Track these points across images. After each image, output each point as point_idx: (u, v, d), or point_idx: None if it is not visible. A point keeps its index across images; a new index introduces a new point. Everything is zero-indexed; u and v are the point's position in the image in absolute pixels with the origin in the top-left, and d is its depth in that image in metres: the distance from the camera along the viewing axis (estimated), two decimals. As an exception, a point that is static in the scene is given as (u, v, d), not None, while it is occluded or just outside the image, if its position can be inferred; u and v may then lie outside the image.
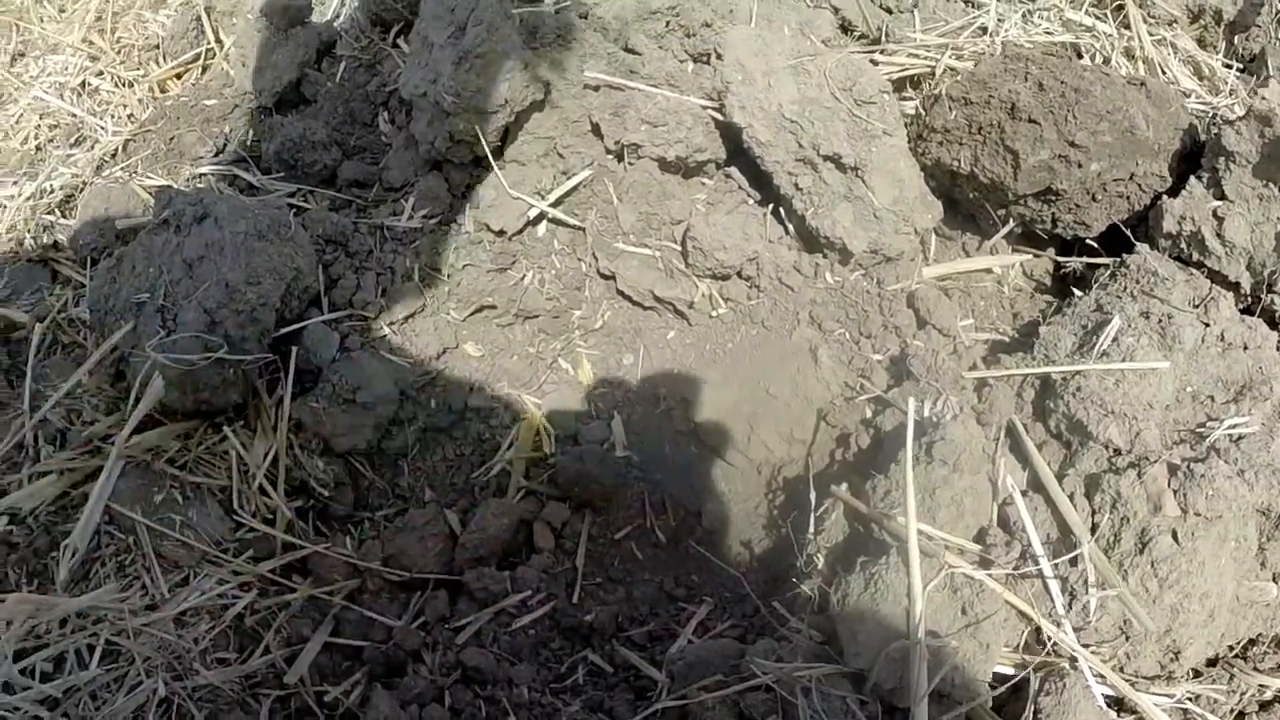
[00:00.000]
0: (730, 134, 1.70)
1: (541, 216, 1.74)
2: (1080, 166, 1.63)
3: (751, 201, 1.73)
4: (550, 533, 1.65)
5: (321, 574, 1.58)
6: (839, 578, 1.30)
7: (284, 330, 1.69)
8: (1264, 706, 1.41)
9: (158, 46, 2.52)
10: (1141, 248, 1.62)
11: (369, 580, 1.58)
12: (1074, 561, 1.29)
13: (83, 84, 2.48)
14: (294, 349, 1.69)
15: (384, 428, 1.67)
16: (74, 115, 2.39)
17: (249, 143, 2.19)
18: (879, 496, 1.32)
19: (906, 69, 2.01)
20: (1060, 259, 1.79)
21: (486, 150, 1.70)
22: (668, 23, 1.92)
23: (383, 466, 1.73)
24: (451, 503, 1.71)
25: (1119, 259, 1.63)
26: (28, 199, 2.17)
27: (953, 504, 1.30)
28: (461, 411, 1.73)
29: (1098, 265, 1.70)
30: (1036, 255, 1.80)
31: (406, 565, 1.59)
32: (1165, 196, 1.66)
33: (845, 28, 2.22)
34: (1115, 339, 1.44)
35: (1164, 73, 1.95)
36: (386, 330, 1.72)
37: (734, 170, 1.77)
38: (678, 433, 1.70)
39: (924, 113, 1.77)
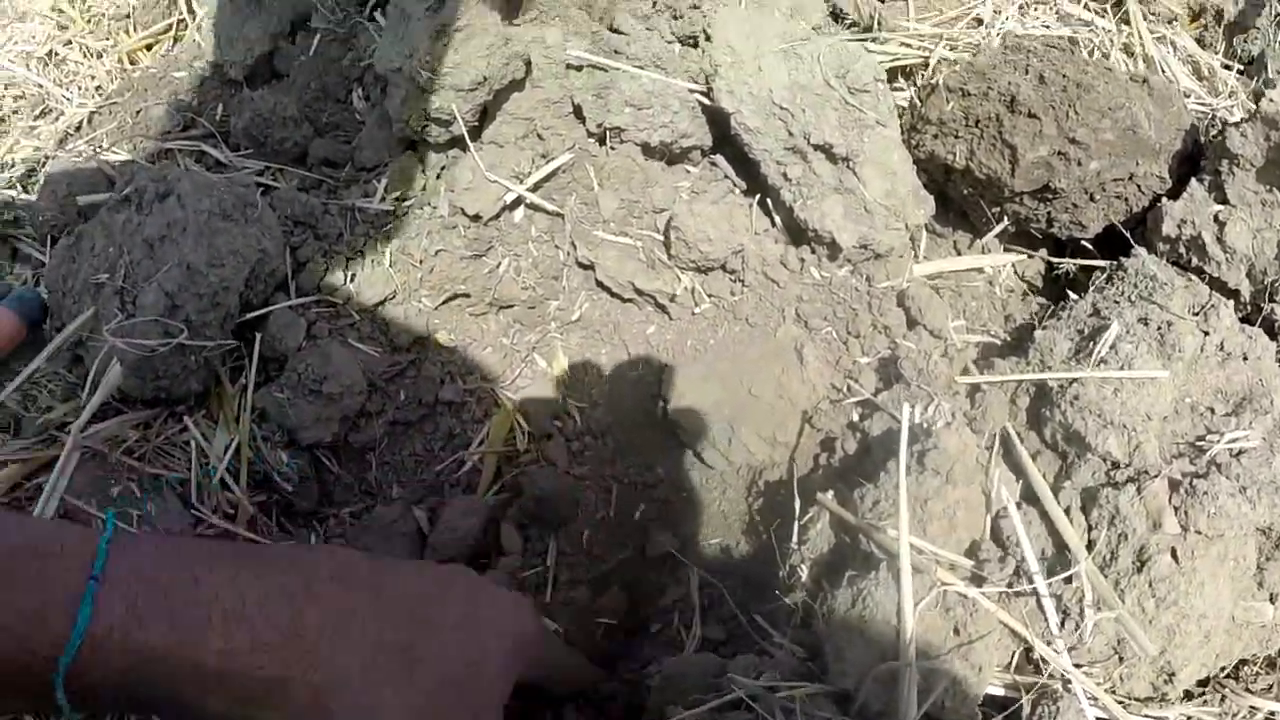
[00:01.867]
0: (717, 119, 1.61)
1: (519, 201, 1.65)
2: (1080, 164, 1.55)
3: (738, 191, 1.65)
4: (518, 534, 1.56)
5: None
6: (824, 592, 1.22)
7: (249, 315, 1.60)
8: (1255, 728, 1.35)
9: (128, 16, 2.42)
10: (1139, 251, 1.54)
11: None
12: (1069, 579, 1.21)
13: (50, 53, 2.38)
14: (258, 335, 1.60)
15: (351, 420, 1.59)
16: (40, 86, 2.30)
17: (218, 117, 2.09)
18: (867, 506, 1.24)
19: (899, 58, 1.93)
20: (1053, 259, 1.71)
21: (464, 130, 1.61)
22: (655, 3, 1.84)
23: (349, 460, 1.63)
24: (419, 499, 1.61)
25: (1116, 262, 1.56)
26: (-13, 172, 2.08)
27: (944, 516, 1.22)
28: (432, 404, 1.63)
29: (1093, 268, 1.63)
30: (1030, 255, 1.72)
31: (373, 565, 1.50)
32: (1165, 199, 1.58)
33: (836, 15, 2.15)
34: (1113, 345, 1.36)
35: (1164, 71, 1.88)
36: (356, 317, 1.62)
37: (719, 158, 1.68)
38: (655, 431, 1.61)
39: (919, 103, 1.69)
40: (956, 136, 1.62)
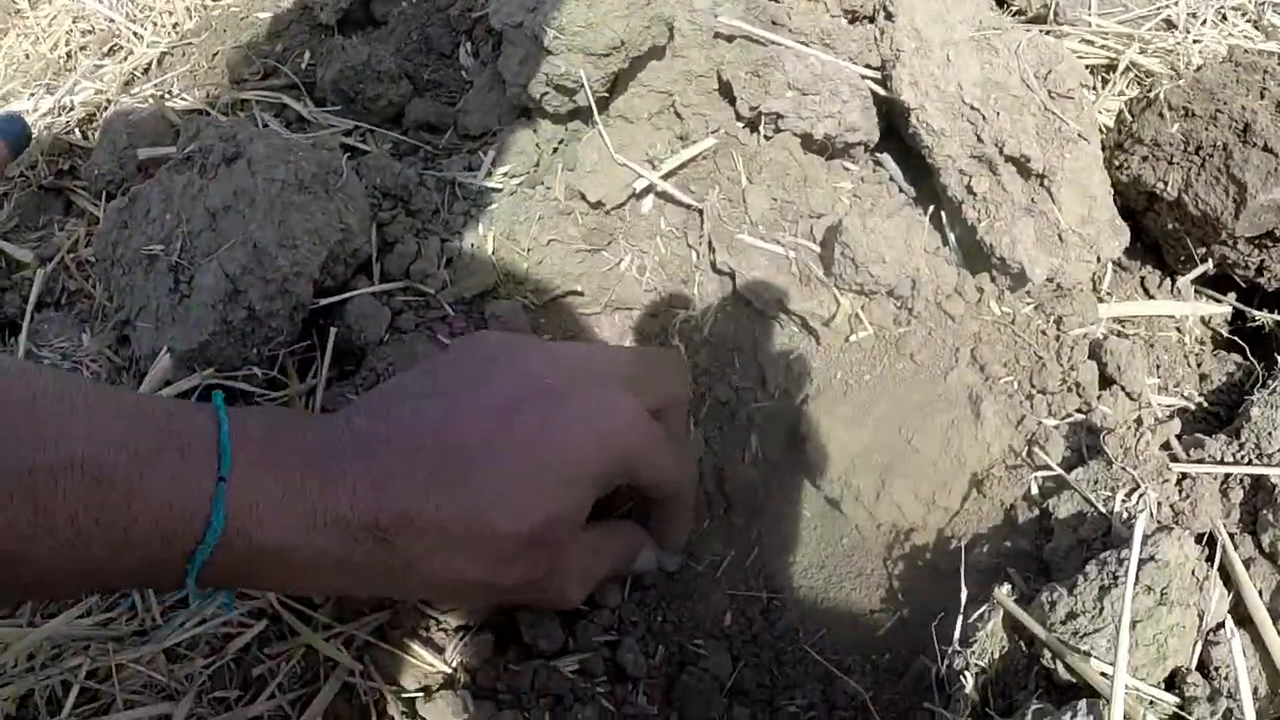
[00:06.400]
0: (891, 113, 1.41)
1: (649, 189, 1.44)
2: (1314, 212, 1.33)
3: (907, 197, 1.43)
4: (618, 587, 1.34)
5: (346, 603, 1.29)
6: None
7: (324, 301, 1.41)
8: None
9: (214, -54, 2.24)
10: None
11: (402, 616, 1.27)
12: (1287, 722, 1.00)
13: (124, -16, 2.21)
14: (333, 327, 1.40)
15: (433, 428, 1.38)
16: (111, 21, 2.12)
17: (304, 66, 1.90)
18: (1059, 617, 1.03)
19: (1081, 56, 1.72)
20: (1246, 309, 1.48)
21: (591, 101, 1.42)
22: (813, -37, 1.62)
23: (428, 468, 1.43)
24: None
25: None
26: (44, 115, 1.91)
27: (1154, 644, 1.01)
28: (526, 410, 1.43)
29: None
30: (1238, 307, 1.49)
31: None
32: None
33: (1001, 1, 1.93)
34: (1346, 435, 1.14)
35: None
36: (448, 310, 1.42)
37: (886, 157, 1.48)
38: (791, 473, 1.39)
39: (1131, 119, 1.46)
40: (1171, 162, 1.40)
